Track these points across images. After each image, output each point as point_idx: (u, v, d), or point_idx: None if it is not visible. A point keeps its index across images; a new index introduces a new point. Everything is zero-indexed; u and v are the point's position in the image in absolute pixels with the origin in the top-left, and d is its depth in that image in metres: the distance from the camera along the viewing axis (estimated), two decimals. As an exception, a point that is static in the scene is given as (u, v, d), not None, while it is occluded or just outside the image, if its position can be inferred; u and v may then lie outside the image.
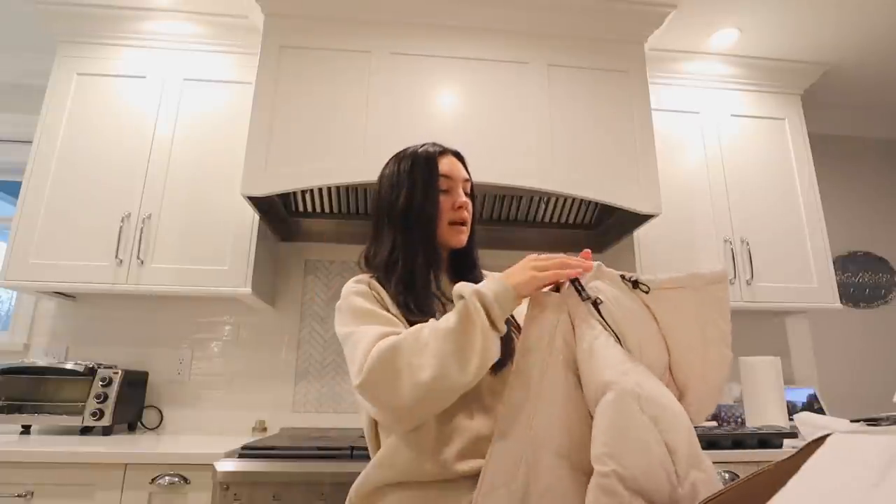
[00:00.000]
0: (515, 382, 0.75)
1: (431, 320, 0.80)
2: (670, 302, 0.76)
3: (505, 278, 0.79)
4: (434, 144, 1.02)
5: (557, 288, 0.80)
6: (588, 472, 0.64)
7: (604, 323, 0.73)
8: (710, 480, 0.67)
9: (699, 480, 0.65)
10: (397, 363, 0.74)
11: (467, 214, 0.98)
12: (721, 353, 0.76)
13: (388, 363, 0.74)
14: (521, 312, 1.00)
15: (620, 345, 0.71)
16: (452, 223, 0.97)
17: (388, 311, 0.89)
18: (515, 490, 0.68)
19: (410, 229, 0.94)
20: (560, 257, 0.80)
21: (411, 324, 0.83)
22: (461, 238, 0.98)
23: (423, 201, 0.95)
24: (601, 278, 0.77)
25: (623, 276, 0.78)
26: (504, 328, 0.78)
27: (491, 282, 0.78)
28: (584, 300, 0.74)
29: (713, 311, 0.76)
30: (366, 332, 0.81)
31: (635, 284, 0.76)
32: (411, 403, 0.74)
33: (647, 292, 0.76)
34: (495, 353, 0.77)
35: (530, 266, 0.79)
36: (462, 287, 0.79)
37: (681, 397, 0.79)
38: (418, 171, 0.97)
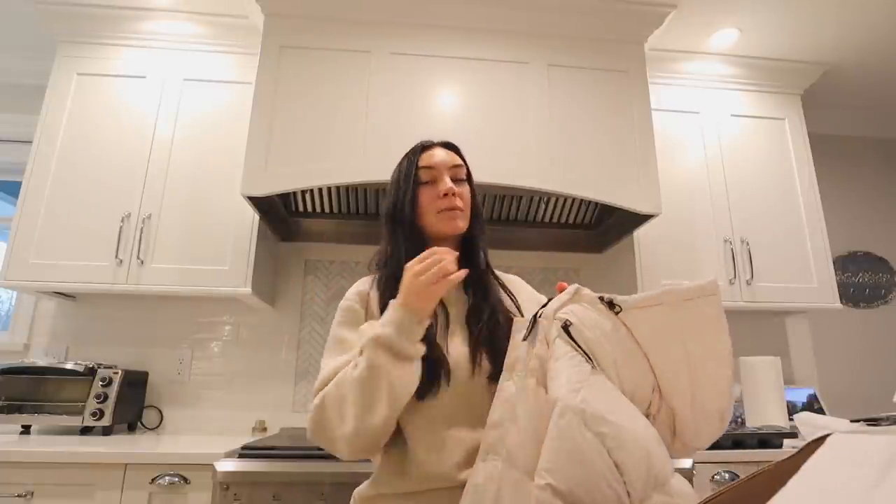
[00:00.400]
0: (495, 401, 0.76)
1: (353, 361, 0.81)
2: (647, 320, 0.74)
3: (402, 305, 0.80)
4: (422, 141, 1.03)
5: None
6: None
7: (573, 344, 0.72)
8: (678, 483, 0.65)
9: (676, 486, 0.64)
10: (325, 416, 0.80)
11: (457, 200, 0.96)
12: (715, 374, 0.72)
13: (318, 419, 0.81)
14: (526, 299, 1.01)
15: (592, 364, 0.70)
16: (442, 211, 0.95)
17: (366, 319, 0.91)
18: None
19: (399, 227, 0.96)
20: (429, 252, 0.81)
21: None
22: (455, 224, 0.96)
23: (402, 199, 0.97)
24: (578, 301, 0.77)
25: (601, 298, 0.76)
26: (419, 349, 0.79)
27: (390, 313, 0.80)
28: (554, 322, 0.74)
29: (698, 329, 0.72)
30: (320, 375, 0.85)
31: (611, 305, 0.75)
32: (347, 449, 0.80)
33: (618, 312, 0.75)
34: (410, 385, 0.79)
35: (416, 281, 0.79)
36: (364, 333, 0.82)
37: (674, 421, 0.76)
38: (403, 172, 0.99)
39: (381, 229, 1.01)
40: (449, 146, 1.04)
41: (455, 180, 0.98)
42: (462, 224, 0.97)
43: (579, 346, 0.71)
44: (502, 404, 0.75)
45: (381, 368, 0.76)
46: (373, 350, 0.77)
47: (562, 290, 0.81)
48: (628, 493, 0.62)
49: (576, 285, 0.79)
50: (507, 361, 0.79)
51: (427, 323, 0.80)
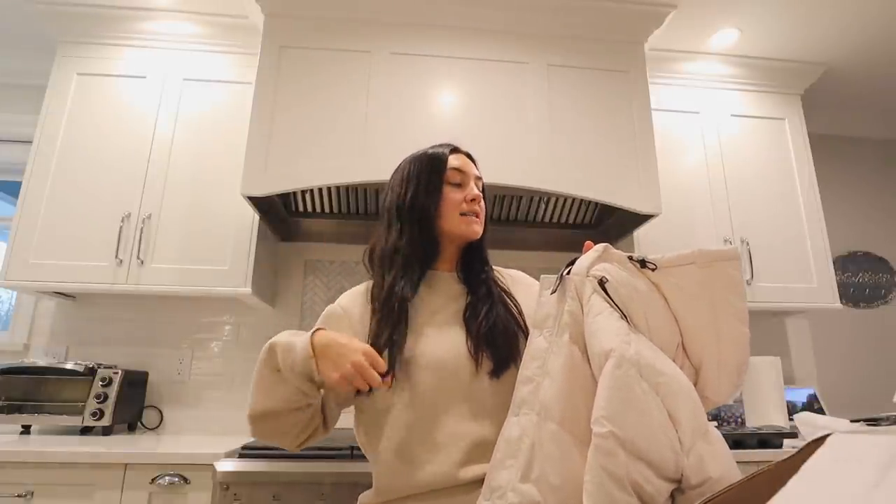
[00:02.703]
0: (525, 357, 0.77)
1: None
2: (678, 279, 0.76)
3: (318, 352, 0.81)
4: (447, 144, 1.05)
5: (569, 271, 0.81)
6: (588, 442, 0.64)
7: (610, 301, 0.73)
8: (718, 454, 0.67)
9: (707, 453, 0.65)
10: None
11: (479, 208, 1.00)
12: (736, 330, 0.75)
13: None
14: (525, 303, 1.01)
15: (627, 321, 0.72)
16: (465, 214, 0.98)
17: (357, 323, 0.95)
18: (521, 461, 0.68)
19: (417, 222, 0.96)
20: (377, 368, 0.80)
21: (389, 313, 0.89)
22: (475, 228, 0.99)
23: (426, 197, 0.97)
24: (608, 260, 0.78)
25: (631, 258, 0.78)
26: (296, 379, 0.83)
27: (302, 345, 0.82)
28: (589, 280, 0.76)
29: (723, 288, 0.75)
30: None
31: (643, 264, 0.77)
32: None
33: (654, 270, 0.77)
34: (267, 402, 0.89)
35: (350, 371, 0.78)
36: (277, 337, 0.88)
37: (696, 377, 0.78)
38: (426, 168, 1.00)
39: (386, 222, 1.00)
40: (471, 157, 1.07)
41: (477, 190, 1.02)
42: (479, 229, 1.00)
43: (615, 303, 0.73)
44: (533, 359, 0.75)
45: (258, 369, 0.88)
46: (265, 351, 0.87)
47: (589, 248, 0.82)
48: (680, 441, 0.64)
49: (605, 244, 0.80)
50: (535, 317, 0.79)
51: (314, 374, 0.82)
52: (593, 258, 0.78)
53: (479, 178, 1.04)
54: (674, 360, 0.76)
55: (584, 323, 0.73)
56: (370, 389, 0.82)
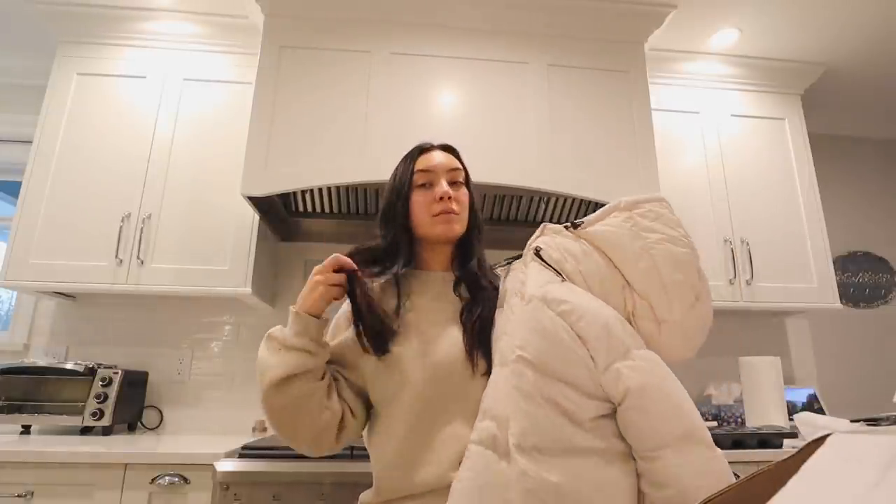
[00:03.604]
0: (497, 322, 0.87)
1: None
2: (605, 229, 0.85)
3: (297, 305, 0.86)
4: (418, 146, 1.02)
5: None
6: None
7: (544, 264, 0.84)
8: (638, 367, 0.72)
9: (626, 368, 0.72)
10: None
11: (453, 204, 0.95)
12: (668, 253, 0.81)
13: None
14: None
15: (561, 278, 0.82)
16: (438, 215, 0.94)
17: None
18: (484, 407, 0.79)
19: (392, 229, 0.97)
20: (334, 261, 0.87)
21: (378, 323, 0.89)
22: (450, 228, 0.95)
23: (395, 202, 0.97)
24: (546, 234, 0.89)
25: (566, 226, 0.89)
26: (293, 342, 0.83)
27: (289, 317, 0.86)
28: (528, 253, 0.88)
29: (646, 220, 0.84)
30: None
31: (574, 226, 0.88)
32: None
33: (581, 226, 0.87)
34: (274, 369, 0.83)
35: (315, 281, 0.86)
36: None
37: (651, 307, 0.82)
38: (398, 173, 1.00)
39: (379, 228, 1.01)
40: (448, 149, 1.02)
41: (452, 183, 0.98)
42: (458, 228, 0.97)
43: (549, 265, 0.84)
44: (498, 326, 0.86)
45: (259, 354, 0.86)
46: (264, 342, 0.87)
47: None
48: (593, 359, 0.73)
49: (544, 223, 0.91)
50: (499, 300, 0.89)
51: (315, 321, 0.84)
52: (535, 237, 0.90)
53: (455, 170, 0.99)
54: (624, 301, 0.82)
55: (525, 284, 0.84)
56: (371, 338, 0.87)
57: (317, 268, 0.87)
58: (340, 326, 0.96)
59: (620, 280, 0.83)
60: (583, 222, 0.87)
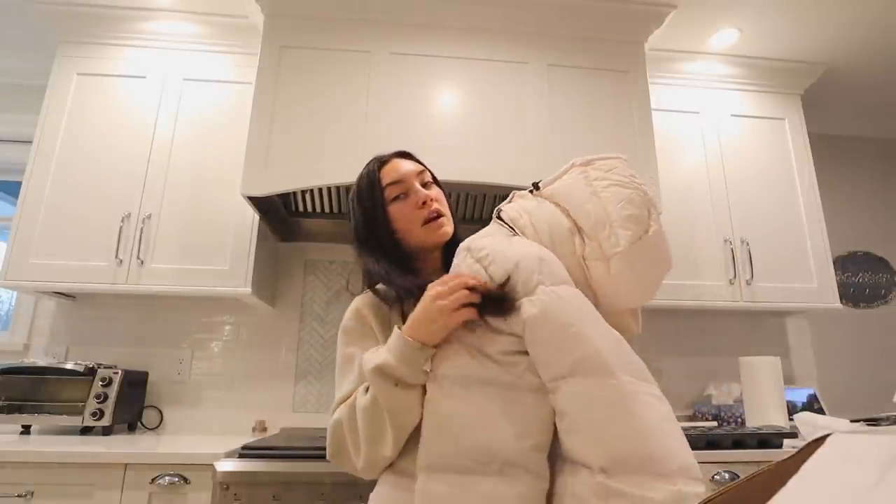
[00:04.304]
0: None
1: (362, 386, 0.82)
2: (563, 184, 0.90)
3: (407, 331, 0.77)
4: (375, 158, 0.99)
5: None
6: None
7: (500, 222, 0.90)
8: (540, 301, 0.72)
9: (527, 301, 0.73)
10: (342, 441, 0.82)
11: (437, 205, 0.94)
12: (612, 191, 0.83)
13: (336, 440, 0.82)
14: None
15: (514, 233, 0.87)
16: (427, 221, 0.92)
17: (373, 328, 0.90)
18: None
19: (378, 247, 0.93)
20: (459, 279, 0.77)
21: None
22: (443, 231, 0.94)
23: (374, 221, 0.93)
24: (513, 200, 0.94)
25: (530, 190, 0.94)
26: (421, 378, 0.77)
27: (393, 340, 0.78)
28: (495, 213, 0.93)
29: (596, 171, 0.87)
30: (339, 393, 0.86)
31: (536, 187, 0.93)
32: (365, 476, 0.82)
33: (539, 186, 0.93)
34: (412, 410, 0.77)
35: (433, 305, 0.76)
36: (366, 363, 0.80)
37: (597, 244, 0.82)
38: (364, 194, 0.95)
39: (356, 249, 0.96)
40: (405, 155, 1.00)
41: (424, 185, 0.96)
42: (449, 229, 0.95)
43: (505, 222, 0.89)
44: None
45: (384, 398, 0.76)
46: (374, 379, 0.77)
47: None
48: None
49: (513, 191, 0.95)
50: None
51: (432, 351, 0.77)
52: (504, 203, 0.94)
53: (422, 172, 0.97)
54: (573, 244, 0.83)
55: None
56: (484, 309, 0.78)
57: (440, 290, 0.76)
58: (367, 322, 0.91)
59: (569, 224, 0.85)
60: (538, 182, 0.94)
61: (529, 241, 0.83)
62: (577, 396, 0.68)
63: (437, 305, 0.75)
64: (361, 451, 0.78)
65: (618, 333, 0.74)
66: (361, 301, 0.95)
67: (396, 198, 0.94)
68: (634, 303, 0.86)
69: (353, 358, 0.87)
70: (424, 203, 0.93)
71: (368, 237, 0.94)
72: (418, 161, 1.01)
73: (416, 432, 0.78)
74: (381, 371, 0.77)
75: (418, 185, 0.95)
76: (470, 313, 0.76)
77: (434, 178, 1.01)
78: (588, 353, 0.69)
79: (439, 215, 0.93)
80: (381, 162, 0.98)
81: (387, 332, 0.86)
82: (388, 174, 0.95)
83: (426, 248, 0.95)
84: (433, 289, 0.78)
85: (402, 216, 0.93)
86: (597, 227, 0.81)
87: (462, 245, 0.85)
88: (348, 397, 0.83)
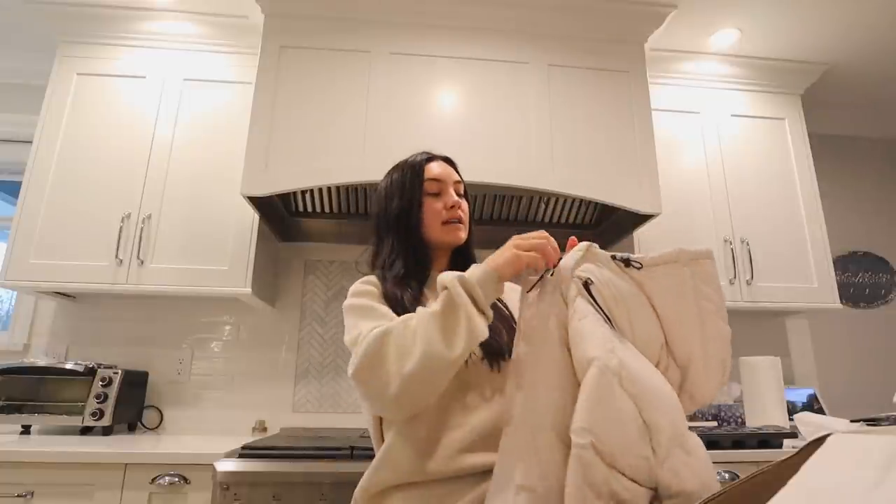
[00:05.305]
0: (514, 370, 0.75)
1: (420, 308, 0.81)
2: (662, 278, 0.78)
3: (488, 262, 0.81)
4: (423, 153, 1.08)
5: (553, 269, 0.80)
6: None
7: (594, 303, 0.73)
8: (695, 466, 0.66)
9: (683, 465, 0.65)
10: (386, 348, 0.76)
11: (461, 213, 1.03)
12: (717, 327, 0.77)
13: (377, 348, 0.77)
14: (514, 301, 1.03)
15: (610, 324, 0.72)
16: (446, 222, 1.02)
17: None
18: (520, 482, 0.68)
19: (403, 234, 1.01)
20: (541, 234, 0.81)
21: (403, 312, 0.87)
22: (458, 235, 1.03)
23: (409, 208, 1.01)
24: (592, 260, 0.78)
25: (614, 257, 0.79)
26: (490, 312, 0.79)
27: (474, 267, 0.81)
28: (574, 281, 0.75)
29: (705, 285, 0.77)
30: (365, 327, 0.83)
31: (627, 263, 0.78)
32: (400, 387, 0.75)
33: (639, 268, 0.78)
34: (483, 332, 0.77)
35: (513, 245, 0.81)
36: (444, 275, 0.80)
37: (683, 377, 0.78)
38: (406, 180, 1.04)
39: (377, 233, 1.05)
40: (449, 161, 1.10)
41: (457, 194, 1.05)
42: (463, 235, 1.04)
43: (599, 306, 0.73)
44: (522, 371, 0.74)
45: (459, 306, 0.75)
46: (456, 287, 0.76)
47: (573, 245, 0.82)
48: (654, 450, 0.65)
49: (587, 242, 0.80)
50: (520, 319, 0.78)
51: (502, 287, 0.81)
52: (577, 258, 0.77)
53: (458, 182, 1.07)
54: (657, 362, 0.76)
55: (570, 326, 0.72)
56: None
57: (518, 241, 0.81)
58: (378, 291, 0.95)
59: (662, 338, 0.77)
60: (638, 261, 0.79)
61: (648, 363, 0.73)
62: None
63: (513, 253, 0.79)
64: (416, 351, 0.74)
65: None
66: (373, 277, 1.01)
67: (433, 194, 1.03)
68: None
69: (374, 308, 0.89)
70: (452, 206, 1.02)
71: (400, 224, 1.01)
72: (458, 172, 1.10)
73: (417, 439, 0.82)
74: (464, 282, 0.77)
75: (452, 190, 1.04)
76: (535, 260, 0.78)
77: (465, 191, 1.09)
78: None
79: (460, 221, 1.03)
80: (429, 158, 1.07)
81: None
82: (431, 170, 1.05)
83: (440, 246, 1.04)
84: (516, 238, 0.82)
85: (430, 211, 1.02)
86: (693, 358, 0.76)
87: (598, 356, 0.67)
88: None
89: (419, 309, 0.81)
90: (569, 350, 0.72)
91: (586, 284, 0.74)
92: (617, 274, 0.78)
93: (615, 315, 0.74)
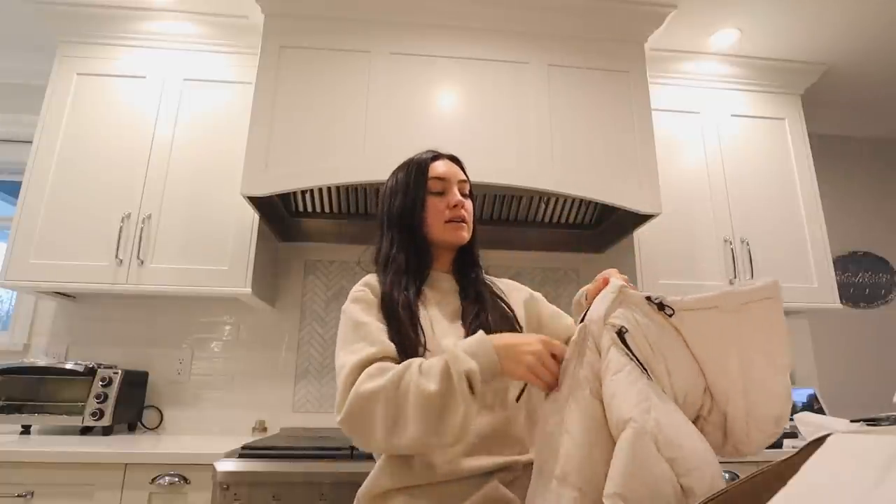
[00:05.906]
0: (545, 412, 0.72)
1: (414, 364, 0.78)
2: (699, 324, 0.72)
3: (500, 355, 0.76)
4: (429, 151, 1.08)
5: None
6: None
7: (629, 354, 0.68)
8: None
9: None
10: (374, 415, 0.75)
11: (464, 213, 1.03)
12: (771, 380, 0.69)
13: (365, 412, 0.76)
14: (516, 300, 1.05)
15: (647, 375, 0.68)
16: (450, 221, 1.01)
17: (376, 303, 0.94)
18: None
19: (405, 231, 1.01)
20: (560, 357, 0.75)
21: (394, 317, 0.88)
22: (461, 234, 1.02)
23: (412, 206, 1.01)
24: (625, 304, 0.72)
25: (649, 298, 0.73)
26: (475, 398, 0.76)
27: (483, 353, 0.76)
28: (607, 329, 0.70)
29: (752, 333, 0.70)
30: (350, 360, 0.82)
31: (661, 306, 0.73)
32: (388, 451, 0.83)
33: (671, 315, 0.72)
34: (474, 418, 0.75)
35: (531, 360, 0.74)
36: (450, 352, 0.77)
37: (725, 422, 0.74)
38: (410, 178, 1.04)
39: (381, 230, 1.05)
40: (456, 160, 1.09)
41: (461, 194, 1.04)
42: (466, 235, 1.03)
43: (634, 356, 0.68)
44: (553, 413, 0.71)
45: (457, 398, 0.73)
46: (460, 379, 0.73)
47: (605, 281, 0.77)
48: None
49: (620, 282, 0.75)
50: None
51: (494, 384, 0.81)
52: (609, 303, 0.72)
53: (463, 182, 1.06)
54: (701, 405, 0.72)
55: (603, 380, 0.68)
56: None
57: (541, 350, 0.74)
58: (375, 294, 0.95)
59: (703, 382, 0.72)
60: (671, 306, 0.72)
61: (688, 421, 0.68)
62: None
63: (525, 370, 0.74)
64: (408, 433, 0.73)
65: None
66: (372, 277, 1.01)
67: (437, 192, 1.03)
68: None
69: (368, 325, 0.89)
70: (455, 205, 1.01)
71: (403, 221, 1.01)
72: (465, 171, 1.09)
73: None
74: (470, 374, 0.73)
75: (456, 189, 1.04)
76: (534, 380, 0.74)
77: (471, 191, 1.08)
78: None
79: (463, 220, 1.02)
80: (435, 156, 1.07)
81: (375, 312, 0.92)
82: (436, 169, 1.04)
83: (442, 245, 1.03)
84: (547, 343, 0.75)
85: (433, 209, 1.02)
86: (730, 411, 0.71)
87: (634, 416, 0.63)
88: (369, 361, 0.81)
89: (412, 367, 0.77)
90: (602, 402, 0.68)
91: (620, 333, 0.69)
92: (651, 317, 0.72)
93: (652, 365, 0.69)
